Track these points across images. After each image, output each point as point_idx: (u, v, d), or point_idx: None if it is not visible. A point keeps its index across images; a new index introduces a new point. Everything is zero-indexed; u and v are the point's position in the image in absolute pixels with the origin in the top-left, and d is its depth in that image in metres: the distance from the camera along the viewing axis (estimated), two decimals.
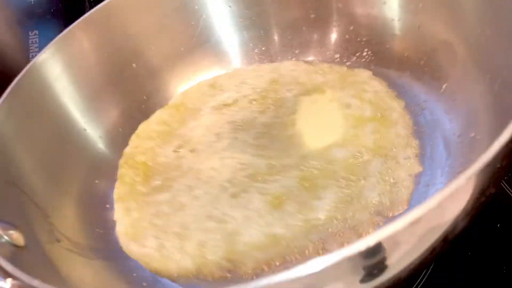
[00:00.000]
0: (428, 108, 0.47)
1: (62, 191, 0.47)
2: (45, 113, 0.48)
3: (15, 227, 0.37)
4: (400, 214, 0.40)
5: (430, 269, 0.41)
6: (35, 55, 0.49)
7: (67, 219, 0.45)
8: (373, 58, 0.53)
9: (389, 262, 0.25)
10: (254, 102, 0.53)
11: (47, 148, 0.47)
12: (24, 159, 0.45)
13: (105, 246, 0.45)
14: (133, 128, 0.54)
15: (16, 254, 0.35)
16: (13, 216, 0.39)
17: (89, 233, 0.45)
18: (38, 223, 0.41)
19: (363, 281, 0.25)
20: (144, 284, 0.42)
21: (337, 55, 0.55)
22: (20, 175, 0.43)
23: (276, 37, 0.58)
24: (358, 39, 0.54)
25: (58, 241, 0.42)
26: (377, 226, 0.39)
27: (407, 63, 0.50)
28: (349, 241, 0.39)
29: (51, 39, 0.50)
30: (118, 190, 0.48)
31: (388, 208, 0.40)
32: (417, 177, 0.42)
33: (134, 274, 0.43)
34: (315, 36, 0.56)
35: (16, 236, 0.37)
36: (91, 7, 0.54)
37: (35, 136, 0.46)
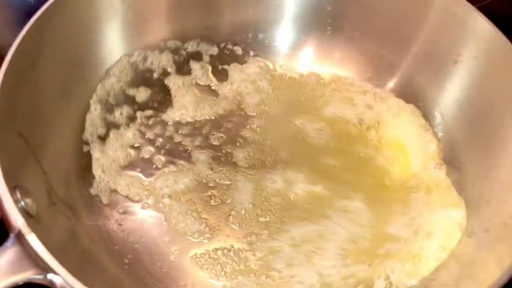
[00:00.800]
0: None
1: (59, 144, 0.45)
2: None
3: (30, 194, 0.36)
4: None
5: None
6: None
7: (60, 176, 0.44)
8: None
9: None
10: None
11: (58, 90, 0.45)
12: (35, 99, 0.42)
13: (88, 208, 0.46)
14: None
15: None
16: (22, 174, 0.37)
17: (77, 193, 0.46)
18: (38, 183, 0.40)
19: None
20: (126, 261, 0.44)
21: None
22: (26, 122, 0.40)
23: None
24: None
25: (54, 204, 0.41)
26: None
27: None
28: None
29: None
30: None
31: None
32: None
33: (116, 247, 0.45)
34: None
35: (31, 205, 0.36)
36: None
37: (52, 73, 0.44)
